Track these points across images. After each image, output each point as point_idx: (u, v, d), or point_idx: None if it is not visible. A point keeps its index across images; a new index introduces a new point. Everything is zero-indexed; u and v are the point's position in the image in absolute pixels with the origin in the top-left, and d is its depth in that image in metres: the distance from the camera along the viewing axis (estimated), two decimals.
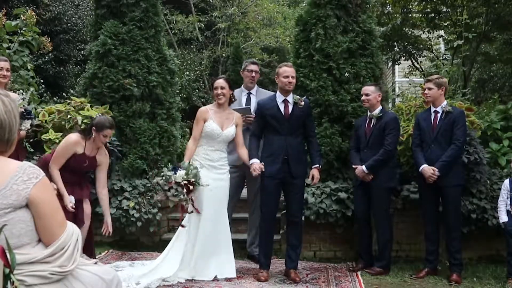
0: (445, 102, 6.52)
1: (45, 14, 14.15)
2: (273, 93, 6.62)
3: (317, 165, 6.33)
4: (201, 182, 5.93)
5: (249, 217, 7.24)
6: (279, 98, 6.25)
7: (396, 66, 21.83)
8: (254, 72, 7.11)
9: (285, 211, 6.61)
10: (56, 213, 2.55)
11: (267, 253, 6.28)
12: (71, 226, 2.64)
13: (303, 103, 6.25)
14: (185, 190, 5.85)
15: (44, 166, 6.03)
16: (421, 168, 6.35)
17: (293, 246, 6.30)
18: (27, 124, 7.20)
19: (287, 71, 6.23)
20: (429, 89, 6.53)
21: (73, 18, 14.93)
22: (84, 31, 14.93)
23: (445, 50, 18.20)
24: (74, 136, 6.23)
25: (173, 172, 5.93)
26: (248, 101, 7.07)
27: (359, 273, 6.47)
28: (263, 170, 6.06)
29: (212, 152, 6.20)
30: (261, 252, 6.35)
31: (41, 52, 11.34)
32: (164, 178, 6.06)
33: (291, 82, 6.20)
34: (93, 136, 6.19)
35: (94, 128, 6.17)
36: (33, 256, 2.46)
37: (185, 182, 5.83)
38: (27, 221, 2.46)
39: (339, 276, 6.36)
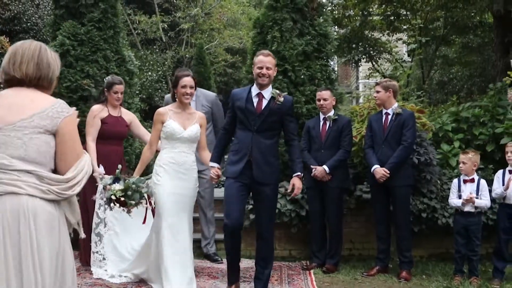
0: (395, 104, 6.70)
1: (4, 13, 14.00)
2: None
3: (298, 173, 5.41)
4: (138, 203, 5.58)
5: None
6: (254, 90, 5.41)
7: (360, 68, 22.18)
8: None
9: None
10: (75, 144, 3.04)
11: (234, 271, 5.57)
12: (86, 156, 3.09)
13: (282, 98, 5.36)
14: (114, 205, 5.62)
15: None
16: (373, 169, 6.52)
17: (261, 264, 5.53)
18: None
19: (262, 61, 5.34)
20: (377, 92, 6.74)
21: (33, 18, 14.76)
22: (44, 31, 14.80)
23: (406, 52, 18.57)
24: (94, 106, 6.73)
25: (111, 182, 5.58)
26: None
27: (312, 271, 6.62)
28: (220, 177, 5.60)
29: (177, 154, 5.68)
30: (229, 269, 5.59)
31: (0, 52, 11.25)
32: (102, 183, 5.77)
33: (264, 74, 5.31)
34: (107, 98, 6.72)
35: (105, 89, 6.75)
36: (46, 175, 2.91)
37: (113, 198, 5.50)
38: (51, 146, 2.96)
39: (292, 275, 6.49)
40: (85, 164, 3.05)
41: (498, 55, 12.51)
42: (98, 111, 6.59)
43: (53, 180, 2.92)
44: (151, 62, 17.28)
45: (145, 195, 5.64)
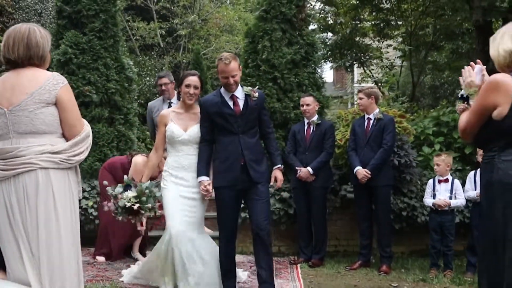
0: (377, 110, 7.15)
1: (8, 22, 14.37)
2: None
3: (279, 165, 5.43)
4: (153, 208, 5.34)
5: None
6: (226, 94, 5.26)
7: (355, 72, 22.63)
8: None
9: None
10: (75, 109, 3.51)
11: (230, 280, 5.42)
12: (88, 127, 3.59)
13: (256, 94, 5.29)
14: (127, 215, 5.36)
15: (109, 169, 7.10)
16: (355, 170, 6.99)
17: (262, 265, 5.27)
18: None
19: (224, 71, 5.14)
20: (360, 98, 7.19)
21: None
22: None
23: (397, 58, 18.98)
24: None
25: (123, 190, 5.32)
26: None
27: (298, 265, 7.07)
28: (211, 192, 5.32)
29: (181, 157, 5.43)
30: (225, 284, 5.40)
31: None
32: (112, 193, 5.36)
33: (231, 83, 5.16)
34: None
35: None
36: (58, 147, 3.39)
37: (129, 205, 5.24)
38: (55, 115, 3.41)
39: (279, 268, 6.93)
40: (88, 133, 3.55)
41: None
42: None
43: (61, 149, 3.39)
44: (149, 68, 17.62)
45: (158, 198, 5.43)
